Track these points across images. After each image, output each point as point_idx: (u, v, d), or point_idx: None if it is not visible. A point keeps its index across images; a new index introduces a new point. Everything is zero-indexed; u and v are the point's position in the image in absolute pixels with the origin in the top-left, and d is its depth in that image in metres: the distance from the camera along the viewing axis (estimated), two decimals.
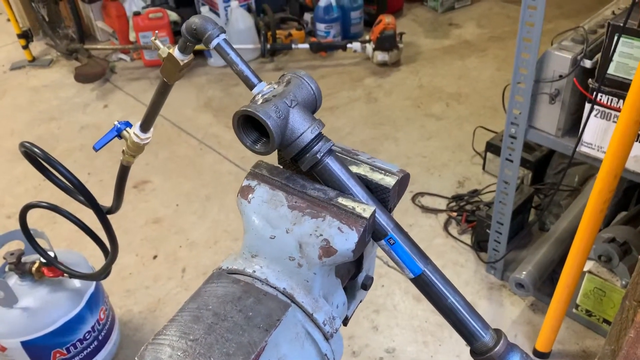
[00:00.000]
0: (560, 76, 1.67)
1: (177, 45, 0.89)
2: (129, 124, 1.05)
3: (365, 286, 0.86)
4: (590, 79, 1.61)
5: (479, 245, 2.35)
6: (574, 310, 2.03)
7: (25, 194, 2.73)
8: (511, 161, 1.91)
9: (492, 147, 2.65)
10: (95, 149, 1.05)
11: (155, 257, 2.42)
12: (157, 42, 0.93)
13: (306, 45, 3.61)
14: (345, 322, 0.88)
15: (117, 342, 1.98)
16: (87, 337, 1.81)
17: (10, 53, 3.95)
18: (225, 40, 0.71)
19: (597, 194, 1.53)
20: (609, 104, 1.57)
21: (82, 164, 2.92)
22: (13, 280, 1.76)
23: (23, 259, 1.74)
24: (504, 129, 1.88)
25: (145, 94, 3.45)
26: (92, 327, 1.82)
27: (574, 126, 1.76)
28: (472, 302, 0.87)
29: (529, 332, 2.05)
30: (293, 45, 3.63)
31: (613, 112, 1.58)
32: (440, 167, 2.80)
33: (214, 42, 0.71)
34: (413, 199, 2.62)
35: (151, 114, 0.99)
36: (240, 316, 0.61)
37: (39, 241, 1.83)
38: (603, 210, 1.56)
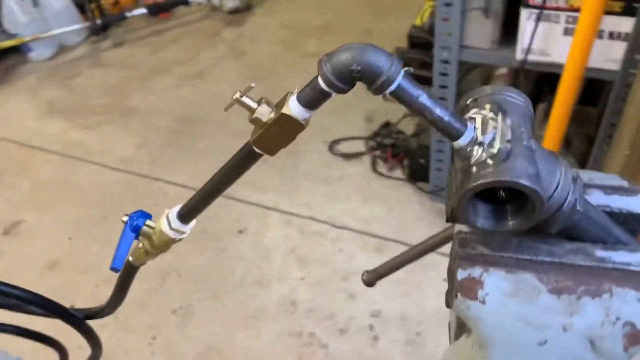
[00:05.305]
0: None
1: (295, 95, 0.51)
2: (146, 215, 0.67)
3: None
4: None
5: (414, 176, 2.28)
6: None
7: None
8: (446, 87, 1.81)
9: None
10: (117, 270, 0.69)
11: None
12: (247, 100, 0.52)
13: (143, 10, 3.12)
14: None
15: None
16: None
17: None
18: (406, 74, 0.45)
19: (563, 102, 1.48)
20: (548, 3, 1.50)
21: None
22: None
23: None
24: (434, 55, 1.75)
25: None
26: None
27: (504, 38, 1.69)
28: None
29: None
30: (127, 14, 3.11)
31: (552, 12, 1.52)
32: (343, 108, 2.64)
33: (394, 85, 0.45)
34: (330, 149, 2.45)
35: (204, 199, 0.61)
36: None
37: None
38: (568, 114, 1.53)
